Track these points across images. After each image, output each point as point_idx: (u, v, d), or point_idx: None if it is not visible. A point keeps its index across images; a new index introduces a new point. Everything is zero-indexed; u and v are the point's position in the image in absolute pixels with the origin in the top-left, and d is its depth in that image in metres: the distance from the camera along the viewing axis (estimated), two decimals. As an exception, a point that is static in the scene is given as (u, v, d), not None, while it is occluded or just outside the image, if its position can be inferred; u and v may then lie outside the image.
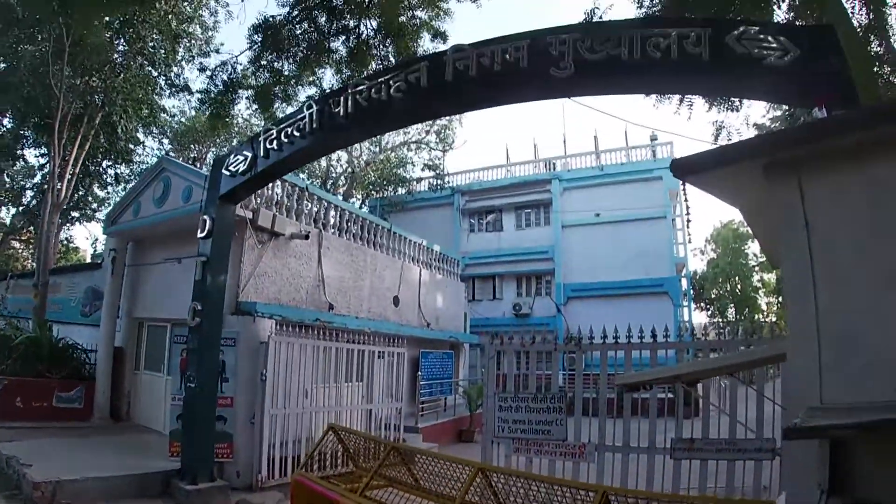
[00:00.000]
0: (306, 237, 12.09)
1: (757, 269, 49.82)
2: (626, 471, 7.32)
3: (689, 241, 26.23)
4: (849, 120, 3.04)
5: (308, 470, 4.25)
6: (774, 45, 5.24)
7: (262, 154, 8.91)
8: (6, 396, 12.07)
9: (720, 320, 46.02)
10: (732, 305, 51.35)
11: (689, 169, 3.41)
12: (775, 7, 8.48)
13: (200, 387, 9.19)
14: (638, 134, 28.93)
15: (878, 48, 8.38)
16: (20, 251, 34.83)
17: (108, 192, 27.85)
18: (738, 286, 51.14)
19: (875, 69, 7.85)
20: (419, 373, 15.90)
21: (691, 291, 35.84)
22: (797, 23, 8.54)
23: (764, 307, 51.75)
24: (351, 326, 12.59)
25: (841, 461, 4.04)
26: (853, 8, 8.05)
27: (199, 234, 9.54)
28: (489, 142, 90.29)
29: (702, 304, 51.99)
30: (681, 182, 3.43)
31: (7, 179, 26.72)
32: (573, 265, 27.82)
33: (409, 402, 14.87)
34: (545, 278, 28.72)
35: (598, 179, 28.32)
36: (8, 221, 30.07)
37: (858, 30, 7.88)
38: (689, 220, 25.40)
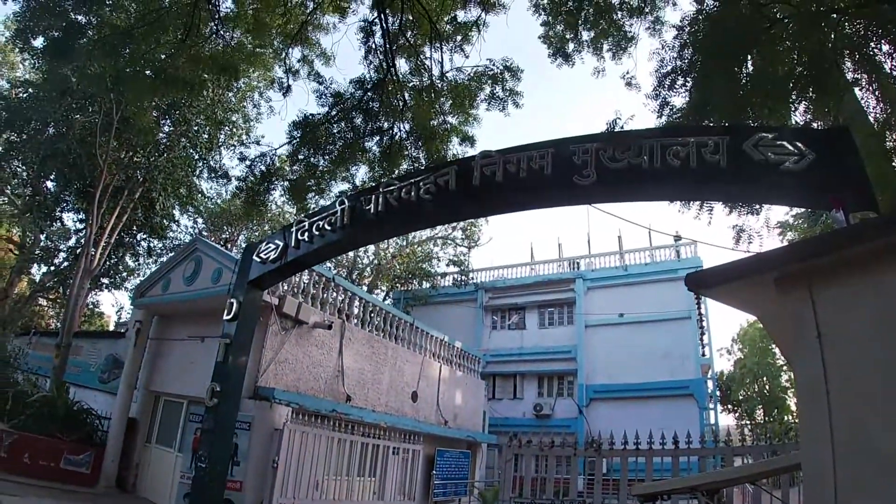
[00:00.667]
0: (329, 327, 12.21)
1: (785, 368, 48.19)
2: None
3: (704, 354, 25.83)
4: (856, 233, 3.15)
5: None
6: (791, 149, 5.41)
7: (293, 244, 9.17)
8: (15, 451, 12.07)
9: (748, 422, 44.52)
10: (761, 406, 49.33)
11: (701, 283, 3.53)
12: (792, 108, 8.63)
13: (211, 468, 9.10)
14: (662, 233, 29.15)
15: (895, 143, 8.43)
16: (46, 309, 35.23)
17: (139, 264, 28.37)
18: (767, 386, 49.05)
19: (893, 164, 7.91)
20: (434, 471, 15.50)
21: (717, 393, 34.93)
22: (814, 124, 8.69)
23: (793, 407, 49.78)
24: (367, 420, 12.49)
25: None
26: (868, 104, 8.20)
27: (226, 317, 9.67)
28: (514, 240, 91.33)
29: (729, 406, 50.45)
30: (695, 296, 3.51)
31: (43, 238, 27.35)
32: (596, 366, 27.31)
33: (421, 502, 14.54)
34: (567, 378, 28.13)
35: (622, 279, 28.22)
36: (38, 278, 30.52)
37: (875, 125, 8.02)
38: (702, 333, 25.09)
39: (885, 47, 7.50)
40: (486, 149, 7.45)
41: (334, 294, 13.19)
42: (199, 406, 10.38)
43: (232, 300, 9.73)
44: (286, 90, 12.06)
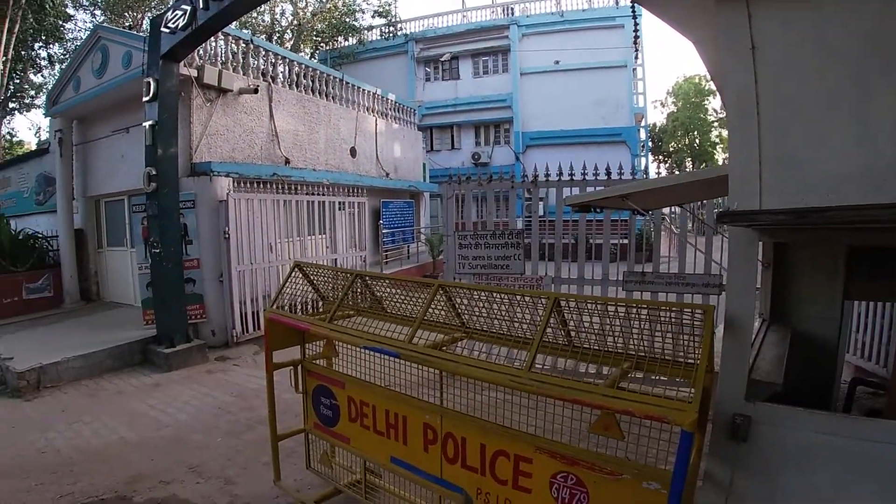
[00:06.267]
0: (255, 91, 11.71)
1: (716, 124, 49.56)
2: (582, 300, 7.53)
3: (638, 103, 26.12)
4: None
5: (278, 308, 4.38)
6: None
7: (201, 6, 8.52)
8: None
9: (677, 172, 46.39)
10: (690, 159, 50.66)
11: (640, -14, 3.25)
12: None
13: (165, 251, 9.33)
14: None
15: None
16: None
17: (44, 77, 26.72)
18: (697, 140, 50.35)
19: None
20: (381, 222, 16.19)
21: (649, 143, 35.99)
22: None
23: (721, 162, 51.58)
24: (309, 179, 12.52)
25: (780, 295, 4.33)
26: None
27: (145, 98, 9.28)
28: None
29: (660, 157, 52.03)
30: (632, 14, 3.34)
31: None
32: (532, 113, 27.69)
33: (372, 252, 15.19)
34: (503, 127, 28.57)
35: (558, 26, 27.55)
36: None
37: None
38: (637, 83, 24.91)
39: None
40: None
41: (255, 58, 12.45)
42: (140, 197, 10.30)
43: (148, 80, 9.22)
44: None
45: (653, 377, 2.76)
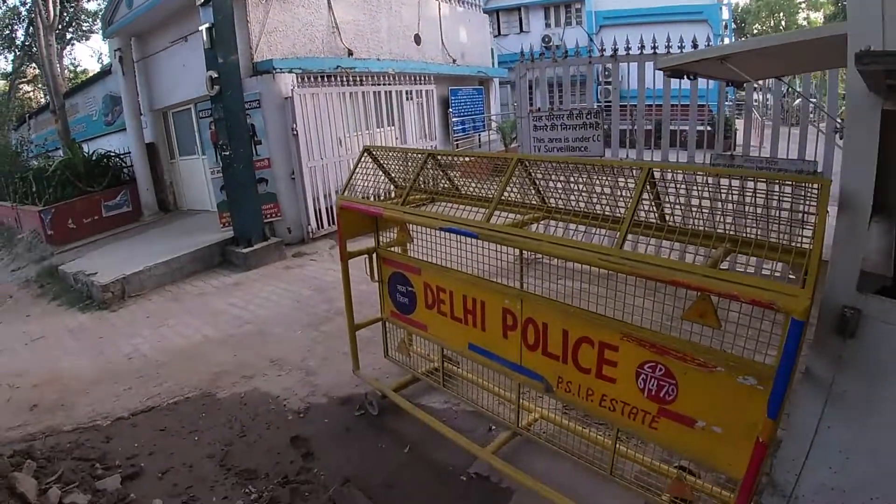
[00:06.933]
0: (309, -18, 11.25)
1: (803, 6, 45.87)
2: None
3: None
4: None
5: (350, 194, 4.23)
6: None
7: None
8: (58, 223, 12.48)
9: None
10: None
11: None
12: None
13: (235, 153, 9.35)
14: None
15: None
16: (31, 93, 34.46)
17: (98, 4, 26.85)
18: (783, 22, 46.78)
19: None
20: (450, 110, 15.80)
21: (732, 24, 33.52)
22: None
23: None
24: (374, 69, 12.21)
25: (884, 184, 3.93)
26: None
27: (198, 2, 9.06)
28: None
29: (743, 39, 48.64)
30: None
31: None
32: (605, -10, 26.03)
33: (443, 141, 14.95)
34: (575, 6, 27.00)
35: None
36: (10, 68, 29.25)
37: None
38: None
39: None
40: None
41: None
42: (205, 103, 10.22)
43: (199, -18, 8.97)
44: None
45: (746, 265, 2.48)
